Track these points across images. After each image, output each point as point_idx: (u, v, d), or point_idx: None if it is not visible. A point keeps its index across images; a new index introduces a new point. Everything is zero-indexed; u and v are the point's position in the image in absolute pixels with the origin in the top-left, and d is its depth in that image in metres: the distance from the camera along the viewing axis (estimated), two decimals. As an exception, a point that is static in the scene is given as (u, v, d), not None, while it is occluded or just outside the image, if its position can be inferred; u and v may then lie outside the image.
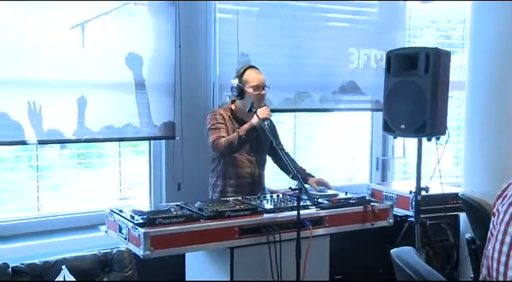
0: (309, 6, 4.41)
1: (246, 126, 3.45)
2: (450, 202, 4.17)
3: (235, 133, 3.47)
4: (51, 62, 3.51)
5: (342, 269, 4.18)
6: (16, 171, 3.78)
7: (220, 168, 3.67)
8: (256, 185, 3.67)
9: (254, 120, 3.41)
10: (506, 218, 1.52)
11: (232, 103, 3.71)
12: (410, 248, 1.75)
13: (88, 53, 3.61)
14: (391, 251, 1.75)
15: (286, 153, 3.72)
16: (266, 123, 3.40)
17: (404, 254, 1.69)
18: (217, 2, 4.06)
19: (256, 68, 3.64)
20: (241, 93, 3.56)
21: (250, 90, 3.54)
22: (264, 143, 3.63)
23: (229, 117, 3.62)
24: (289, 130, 4.61)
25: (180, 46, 3.89)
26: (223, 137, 3.50)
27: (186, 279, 3.44)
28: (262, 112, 3.41)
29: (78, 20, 3.57)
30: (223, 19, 4.09)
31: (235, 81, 3.57)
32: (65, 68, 3.56)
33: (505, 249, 1.49)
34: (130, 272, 3.30)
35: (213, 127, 3.56)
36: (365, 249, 4.12)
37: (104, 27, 3.65)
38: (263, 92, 3.58)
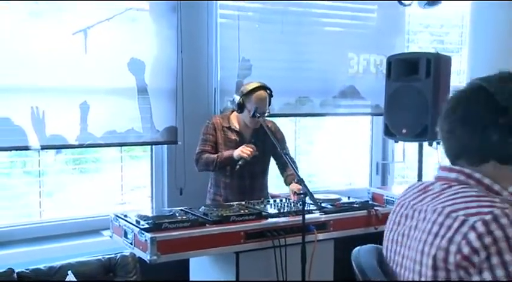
0: (309, 12, 4.44)
1: (226, 154, 3.51)
2: (450, 206, 4.18)
3: (216, 155, 3.54)
4: (54, 67, 3.51)
5: (345, 273, 4.18)
6: (11, 177, 3.77)
7: (213, 176, 3.72)
8: (245, 196, 3.61)
9: (236, 153, 3.46)
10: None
11: (232, 112, 3.72)
12: (374, 246, 1.74)
13: (90, 59, 3.62)
14: (354, 249, 1.76)
15: (291, 158, 3.72)
16: (241, 161, 3.43)
17: (362, 252, 1.70)
18: (218, 6, 4.08)
19: (263, 90, 3.57)
20: (242, 108, 3.58)
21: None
22: (258, 155, 3.56)
23: (222, 126, 3.64)
24: (290, 135, 4.62)
25: (181, 51, 3.91)
26: (206, 151, 3.57)
27: (191, 284, 3.44)
28: (243, 150, 3.45)
29: (81, 26, 3.58)
30: (224, 24, 4.11)
31: (238, 98, 3.56)
32: (68, 74, 3.56)
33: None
34: (134, 277, 3.29)
35: (201, 138, 3.63)
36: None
37: (107, 32, 3.66)
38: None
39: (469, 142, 1.47)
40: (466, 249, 1.31)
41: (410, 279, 1.47)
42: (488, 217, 1.31)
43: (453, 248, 1.33)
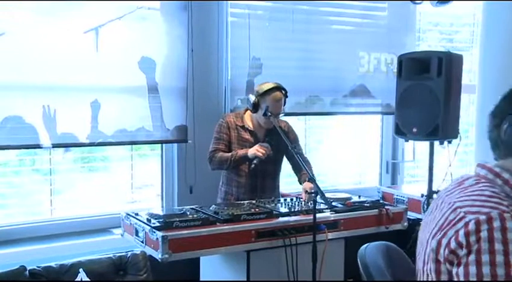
0: (319, 10, 4.44)
1: (241, 153, 3.50)
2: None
3: (230, 154, 3.52)
4: (65, 66, 3.52)
5: (355, 272, 4.18)
6: (20, 175, 3.78)
7: (225, 174, 3.71)
8: (257, 195, 3.62)
9: (250, 152, 3.45)
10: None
11: (246, 110, 3.72)
12: (383, 243, 1.73)
13: (102, 57, 3.63)
14: (362, 246, 1.75)
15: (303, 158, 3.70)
16: (256, 160, 3.41)
17: (369, 250, 1.69)
18: (229, 5, 4.08)
19: (279, 91, 3.55)
20: (256, 108, 3.56)
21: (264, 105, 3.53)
22: (272, 155, 3.54)
23: (236, 125, 3.64)
24: (300, 133, 4.59)
25: (192, 50, 3.91)
26: (220, 150, 3.56)
27: (201, 282, 3.45)
28: (258, 149, 3.43)
29: (92, 25, 3.58)
30: (234, 23, 4.11)
31: (253, 98, 3.54)
32: (79, 72, 3.57)
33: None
34: (145, 275, 3.30)
35: (215, 136, 3.62)
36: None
37: (118, 31, 3.66)
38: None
39: (493, 135, 1.49)
40: (453, 244, 1.34)
41: (419, 267, 1.48)
42: (482, 217, 1.32)
43: (444, 241, 1.36)
